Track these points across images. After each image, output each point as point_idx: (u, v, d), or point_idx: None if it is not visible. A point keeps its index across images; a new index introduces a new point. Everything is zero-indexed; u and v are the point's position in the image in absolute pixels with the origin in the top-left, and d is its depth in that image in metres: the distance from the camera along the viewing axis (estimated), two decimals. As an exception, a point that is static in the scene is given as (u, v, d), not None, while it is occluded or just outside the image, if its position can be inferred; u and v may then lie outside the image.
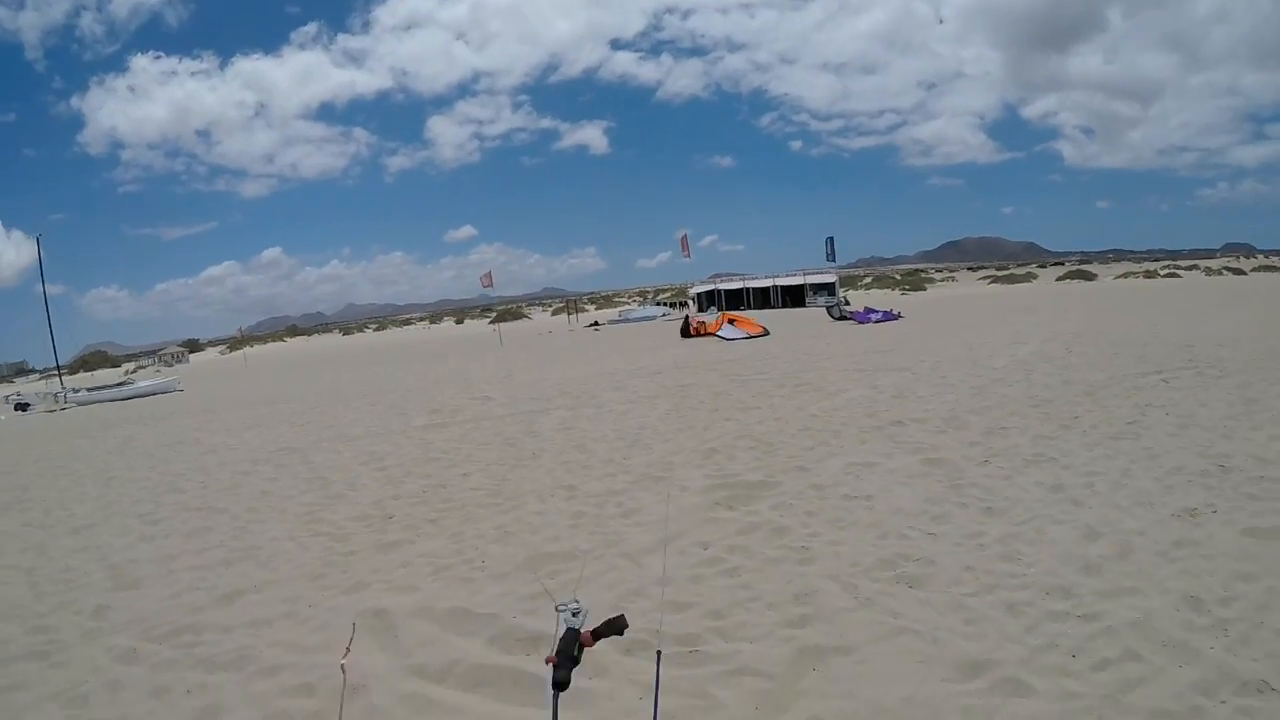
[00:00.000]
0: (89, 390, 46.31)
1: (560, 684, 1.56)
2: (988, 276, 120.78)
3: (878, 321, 36.21)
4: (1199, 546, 5.07)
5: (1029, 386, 11.89)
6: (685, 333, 35.94)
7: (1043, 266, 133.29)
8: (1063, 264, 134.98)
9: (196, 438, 16.92)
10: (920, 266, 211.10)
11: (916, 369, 15.31)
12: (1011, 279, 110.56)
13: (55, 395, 45.08)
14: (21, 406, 45.86)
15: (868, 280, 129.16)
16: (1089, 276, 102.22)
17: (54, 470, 14.74)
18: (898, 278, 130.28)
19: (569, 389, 17.83)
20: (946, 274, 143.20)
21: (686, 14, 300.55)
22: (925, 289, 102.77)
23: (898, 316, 37.73)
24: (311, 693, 4.32)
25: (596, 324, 71.30)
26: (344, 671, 3.30)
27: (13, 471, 15.36)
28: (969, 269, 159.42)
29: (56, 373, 53.73)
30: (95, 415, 29.95)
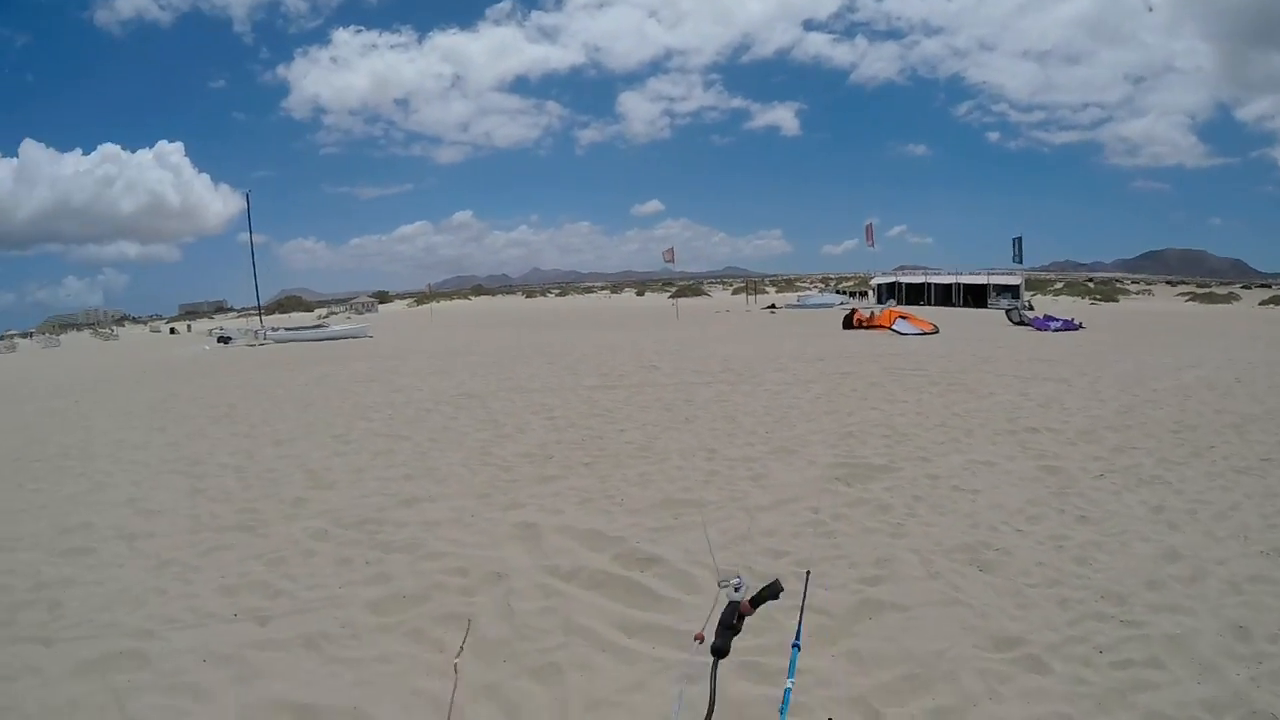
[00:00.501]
0: (287, 330, 50.75)
1: (720, 651, 1.61)
2: (1186, 293, 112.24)
3: (1056, 330, 34.89)
4: (1275, 585, 5.23)
5: (1179, 412, 11.73)
6: (848, 324, 36.20)
7: (1247, 288, 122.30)
8: (1269, 286, 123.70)
9: (386, 378, 18.77)
10: (1116, 276, 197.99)
11: (1074, 381, 15.19)
12: (1211, 298, 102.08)
13: (255, 332, 49.64)
14: (224, 339, 50.78)
15: (1059, 285, 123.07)
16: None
17: (258, 394, 16.80)
18: (1091, 286, 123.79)
19: (733, 366, 18.62)
20: (1143, 286, 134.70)
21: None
22: (1117, 300, 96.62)
23: (1078, 326, 36.28)
24: (465, 574, 5.46)
25: (773, 307, 71.38)
26: (456, 671, 3.64)
27: (222, 392, 17.56)
28: (1168, 283, 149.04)
29: (257, 313, 59.34)
30: (291, 352, 32.98)
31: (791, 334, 32.19)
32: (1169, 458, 8.82)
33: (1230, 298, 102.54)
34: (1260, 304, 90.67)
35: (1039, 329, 35.69)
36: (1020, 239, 71.89)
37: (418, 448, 9.99)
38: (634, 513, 6.84)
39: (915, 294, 77.04)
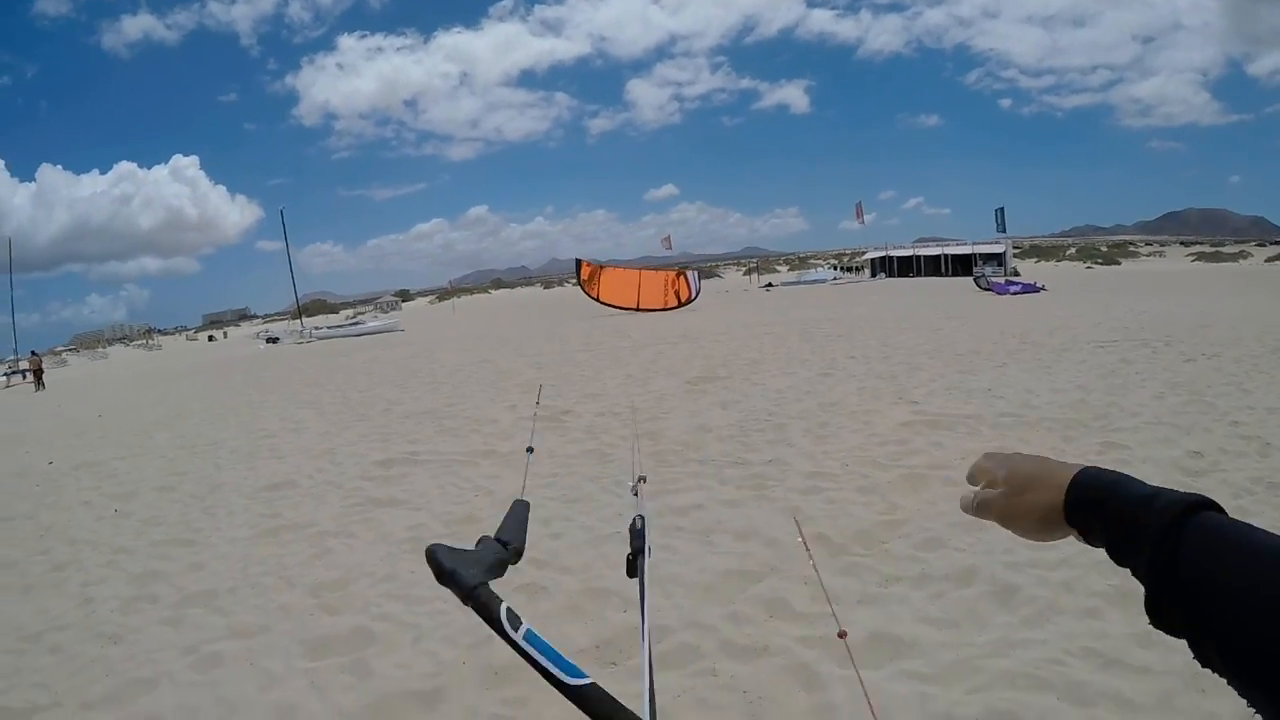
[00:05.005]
0: (329, 328, 57.41)
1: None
2: (1195, 253, 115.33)
3: (1015, 294, 38.82)
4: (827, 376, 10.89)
5: (979, 343, 16.77)
6: (577, 270, 43.25)
7: (1262, 245, 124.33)
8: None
9: (423, 355, 24.89)
10: (1134, 238, 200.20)
11: (944, 328, 20.40)
12: (1218, 257, 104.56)
13: (300, 332, 56.21)
14: (272, 340, 58.04)
15: (1071, 250, 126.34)
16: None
17: (329, 372, 23.01)
18: (1103, 249, 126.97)
19: (687, 334, 24.10)
20: (1156, 249, 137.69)
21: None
22: (1119, 263, 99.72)
23: (1040, 289, 40.30)
24: (479, 421, 11.30)
25: (770, 285, 76.90)
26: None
27: (299, 372, 23.73)
28: (1182, 243, 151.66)
29: (292, 316, 67.59)
30: (337, 346, 39.42)
31: (766, 308, 37.43)
32: (919, 365, 13.84)
33: (1240, 255, 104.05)
34: (1267, 260, 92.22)
35: (999, 293, 39.88)
36: (1002, 210, 76.42)
37: (454, 387, 15.84)
38: (568, 400, 12.68)
39: (905, 266, 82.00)
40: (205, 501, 8.55)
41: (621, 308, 40.66)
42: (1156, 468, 6.96)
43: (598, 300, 41.01)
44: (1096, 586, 4.58)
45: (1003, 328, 20.01)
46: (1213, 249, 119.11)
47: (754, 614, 4.60)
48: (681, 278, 42.60)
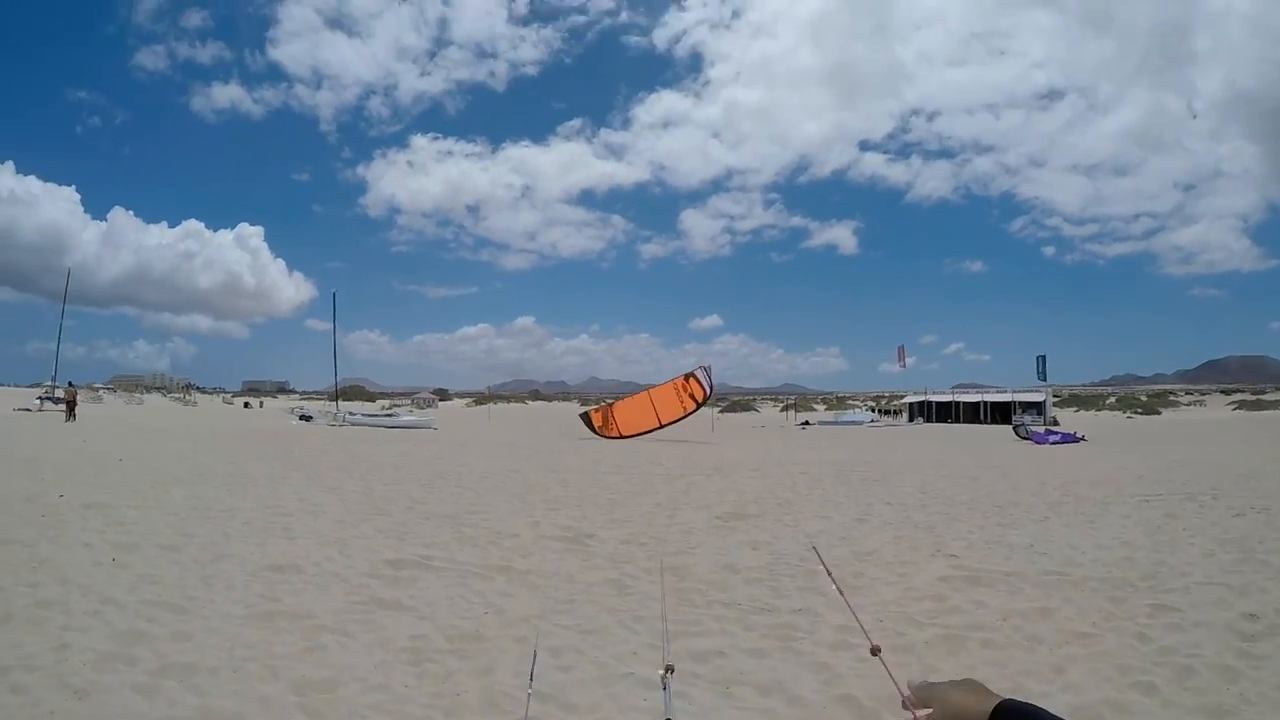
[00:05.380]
0: (363, 415, 57.73)
1: None
2: (1236, 402, 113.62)
3: (1055, 443, 38.11)
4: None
5: (997, 494, 16.20)
6: (589, 425, 43.70)
7: None
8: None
9: (452, 457, 24.73)
10: (1174, 388, 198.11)
11: (981, 477, 19.76)
12: (1259, 405, 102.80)
13: (335, 414, 56.50)
14: (305, 418, 58.30)
15: (1111, 400, 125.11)
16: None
17: (357, 459, 22.98)
18: (1143, 399, 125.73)
19: (721, 466, 23.73)
20: (1196, 398, 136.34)
21: (933, 116, 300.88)
22: (1159, 413, 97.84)
23: (1079, 439, 39.62)
24: (498, 533, 11.02)
25: (806, 423, 76.14)
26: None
27: (328, 454, 23.69)
28: (1223, 392, 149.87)
29: (332, 399, 68.27)
30: (367, 435, 39.68)
31: (799, 446, 36.96)
32: (957, 516, 13.33)
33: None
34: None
35: (1038, 442, 39.29)
36: (1044, 358, 76.01)
37: (477, 494, 15.60)
38: (593, 523, 12.37)
39: (944, 412, 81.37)
40: (206, 569, 8.50)
41: (647, 432, 40.76)
42: (1210, 631, 6.63)
43: (622, 437, 40.72)
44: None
45: (1043, 479, 19.63)
46: (1254, 397, 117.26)
47: (772, 782, 4.20)
48: (691, 379, 42.65)
